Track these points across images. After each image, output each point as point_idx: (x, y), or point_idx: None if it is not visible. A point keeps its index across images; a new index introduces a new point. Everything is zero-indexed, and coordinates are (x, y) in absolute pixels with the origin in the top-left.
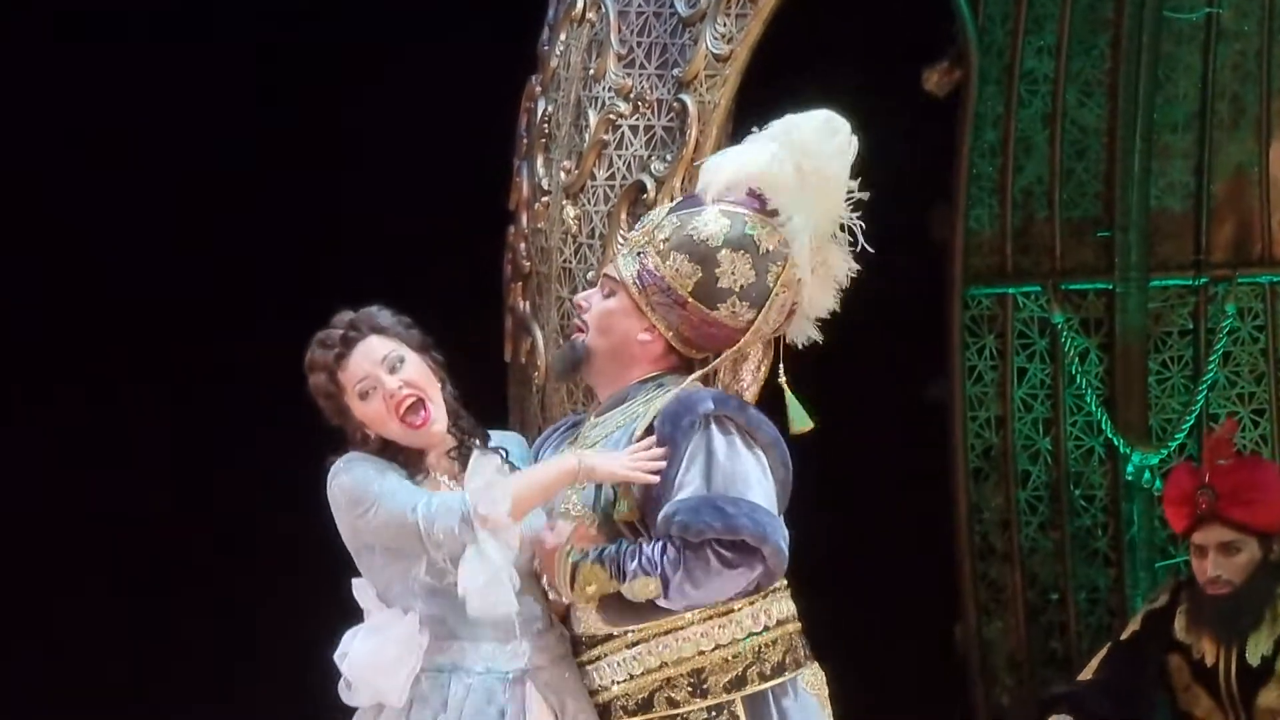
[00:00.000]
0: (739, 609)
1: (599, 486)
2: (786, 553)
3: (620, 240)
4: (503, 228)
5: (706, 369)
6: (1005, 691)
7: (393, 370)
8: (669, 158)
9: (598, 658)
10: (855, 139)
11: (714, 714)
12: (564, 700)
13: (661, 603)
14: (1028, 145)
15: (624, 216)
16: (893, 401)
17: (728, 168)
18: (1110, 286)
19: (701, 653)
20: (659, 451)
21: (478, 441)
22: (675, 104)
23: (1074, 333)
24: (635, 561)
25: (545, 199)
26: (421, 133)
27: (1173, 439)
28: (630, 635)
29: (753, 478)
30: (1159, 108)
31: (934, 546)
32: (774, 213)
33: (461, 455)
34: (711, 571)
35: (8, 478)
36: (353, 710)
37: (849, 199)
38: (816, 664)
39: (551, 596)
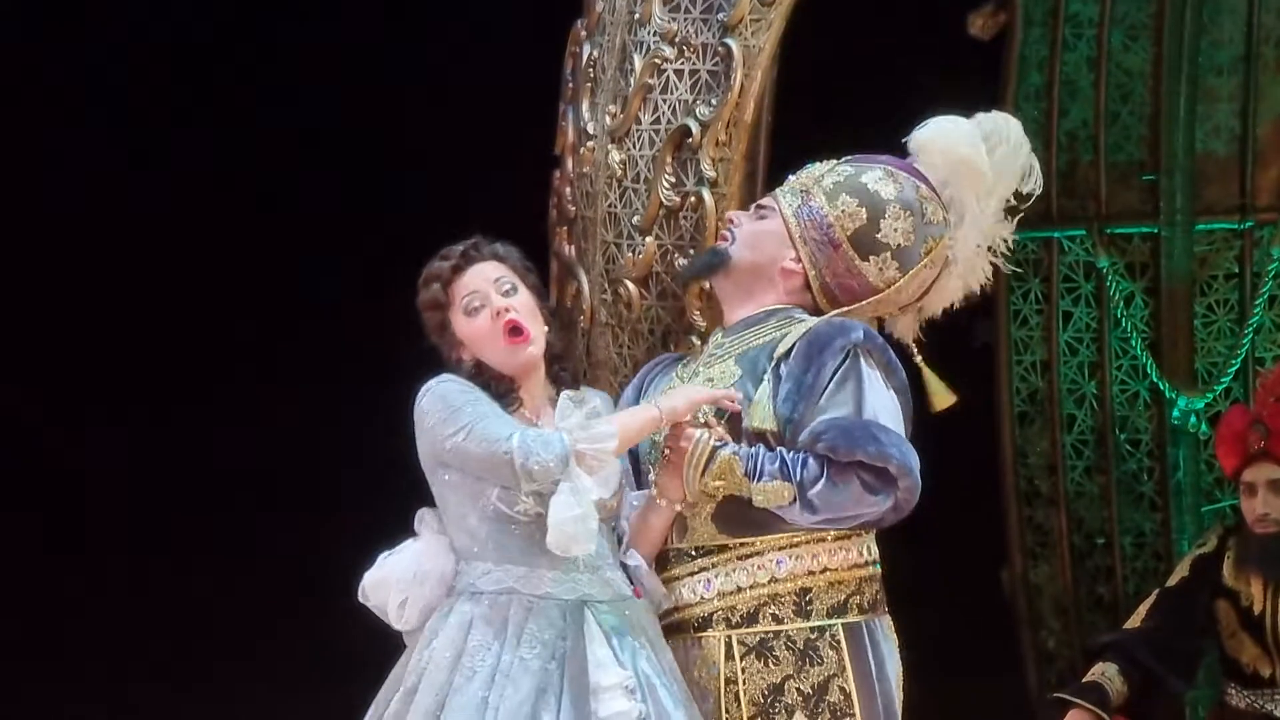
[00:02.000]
0: (849, 538)
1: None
2: (920, 491)
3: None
4: (548, 172)
5: (845, 312)
6: (1052, 635)
7: (504, 294)
8: (714, 102)
9: (706, 568)
10: (1035, 162)
11: (816, 635)
12: (620, 633)
13: (788, 514)
14: (1073, 89)
15: (669, 161)
16: (937, 345)
17: (946, 138)
18: (1155, 230)
19: (811, 573)
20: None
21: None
22: (720, 48)
23: (1119, 277)
24: (775, 465)
25: (590, 144)
26: (467, 77)
27: (1218, 383)
28: (743, 549)
29: (894, 414)
30: (1204, 51)
31: (980, 491)
32: (946, 197)
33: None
34: (850, 493)
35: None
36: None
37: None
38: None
39: (663, 502)
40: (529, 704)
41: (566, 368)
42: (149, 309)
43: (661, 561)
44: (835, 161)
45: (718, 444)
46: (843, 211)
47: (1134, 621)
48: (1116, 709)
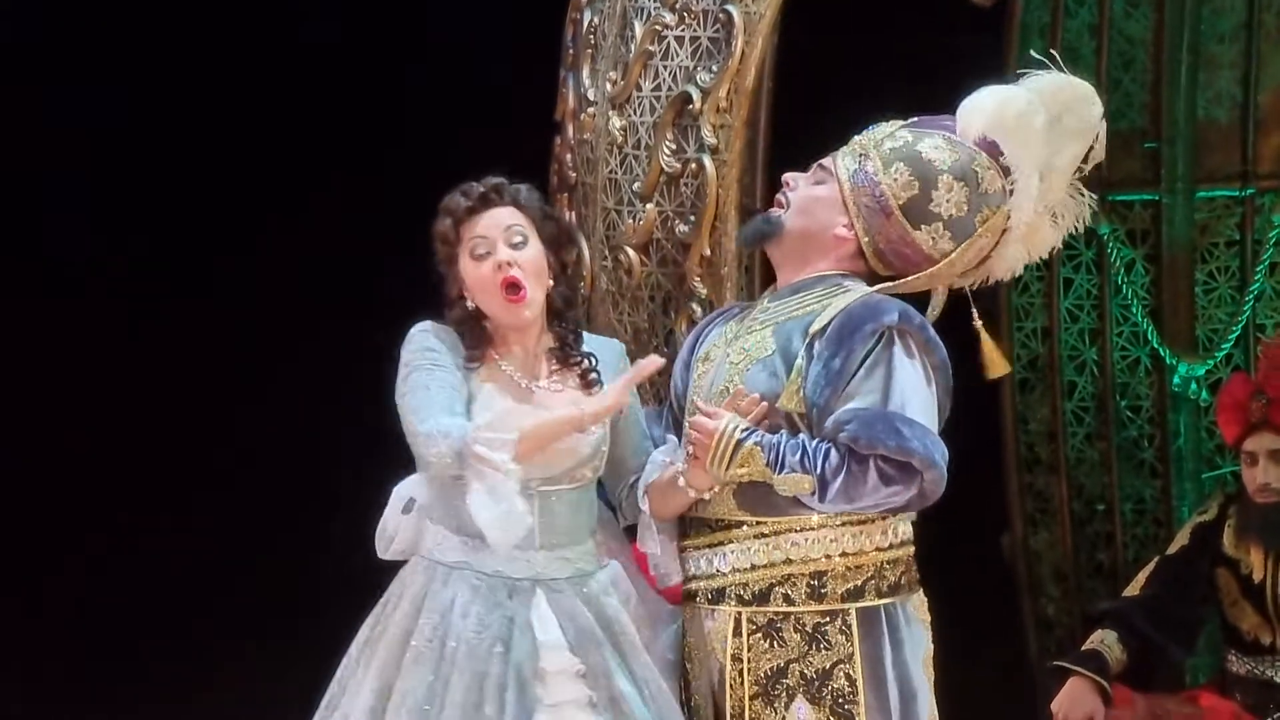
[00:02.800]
0: (873, 521)
1: (770, 373)
2: (945, 481)
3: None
4: (549, 139)
5: (895, 285)
6: (1051, 602)
7: (512, 245)
8: (714, 69)
9: (723, 542)
10: (1104, 125)
11: (827, 619)
12: (573, 615)
13: (810, 503)
14: (1074, 56)
15: (669, 127)
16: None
17: (988, 107)
18: (1157, 198)
19: (828, 556)
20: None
21: (572, 341)
22: (721, 15)
23: (1120, 244)
24: (796, 456)
25: (591, 110)
26: (467, 44)
27: (1219, 350)
28: (761, 526)
29: (925, 400)
30: (1205, 19)
31: (980, 457)
32: (1004, 164)
33: (561, 355)
34: (870, 485)
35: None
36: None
37: (1077, 179)
38: (921, 590)
39: (681, 483)
40: (474, 691)
41: (568, 321)
42: (152, 299)
43: (679, 528)
44: (899, 124)
45: (741, 436)
46: (895, 180)
47: (1133, 589)
48: (1116, 676)
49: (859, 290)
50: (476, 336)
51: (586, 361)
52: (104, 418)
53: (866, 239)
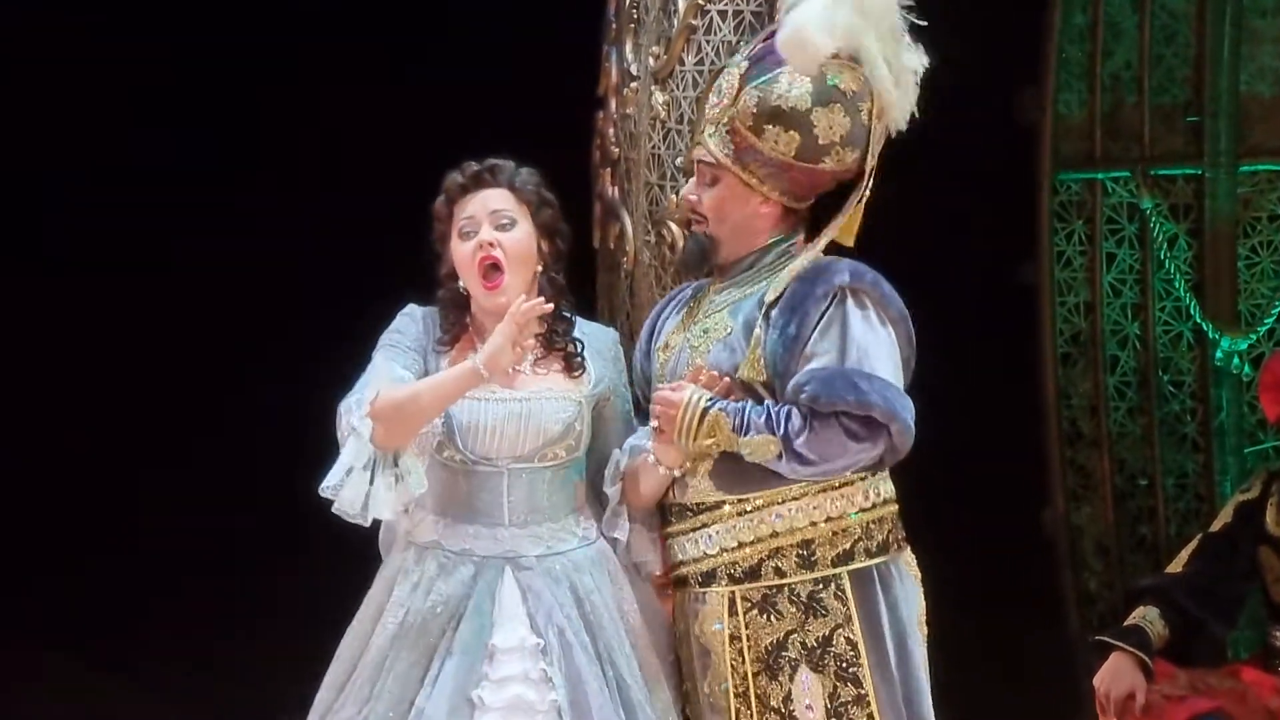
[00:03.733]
0: (851, 483)
1: (731, 350)
2: (913, 431)
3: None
4: (591, 113)
5: (833, 228)
6: (1093, 577)
7: (499, 228)
8: None
9: (706, 524)
10: None
11: (821, 586)
12: (539, 591)
13: (780, 468)
14: (1117, 30)
15: None
16: (981, 286)
17: (807, 41)
18: (1199, 172)
19: (813, 524)
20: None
21: (560, 330)
22: None
23: (1163, 218)
24: (761, 419)
25: (634, 85)
26: (510, 17)
27: (1261, 324)
28: (742, 504)
29: (884, 354)
30: None
31: (1022, 432)
32: (851, 58)
33: (546, 341)
34: (835, 443)
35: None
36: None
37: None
38: (909, 548)
39: (651, 460)
40: (419, 666)
41: (558, 308)
42: (153, 299)
43: (662, 515)
44: (736, 76)
45: (707, 404)
46: (775, 143)
47: (1176, 566)
48: (1158, 652)
49: (806, 253)
50: (453, 319)
51: (571, 347)
52: (104, 418)
53: (785, 197)
